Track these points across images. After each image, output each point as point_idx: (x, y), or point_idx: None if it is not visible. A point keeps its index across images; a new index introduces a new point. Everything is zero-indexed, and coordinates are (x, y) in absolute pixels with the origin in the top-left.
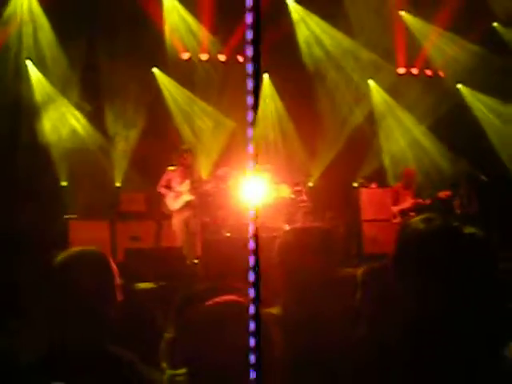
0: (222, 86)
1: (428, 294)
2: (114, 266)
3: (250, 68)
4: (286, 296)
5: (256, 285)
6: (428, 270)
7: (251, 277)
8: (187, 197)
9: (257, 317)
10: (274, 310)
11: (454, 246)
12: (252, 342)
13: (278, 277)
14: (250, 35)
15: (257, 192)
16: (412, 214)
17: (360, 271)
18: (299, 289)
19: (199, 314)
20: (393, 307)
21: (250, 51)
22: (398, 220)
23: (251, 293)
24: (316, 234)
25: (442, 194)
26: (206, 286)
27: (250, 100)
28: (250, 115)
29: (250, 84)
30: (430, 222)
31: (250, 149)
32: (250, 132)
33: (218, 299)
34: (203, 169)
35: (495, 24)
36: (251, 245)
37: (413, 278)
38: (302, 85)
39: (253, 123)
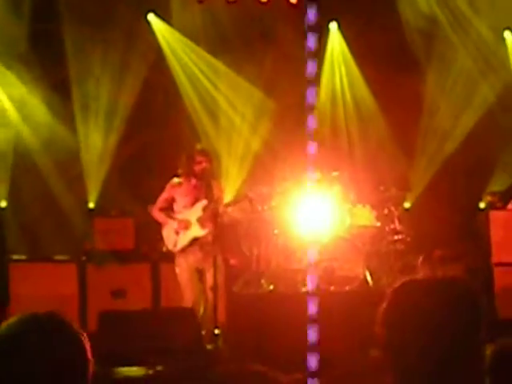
0: (260, 41)
1: None
2: (86, 343)
3: (310, 13)
4: None
5: (316, 371)
6: None
7: (310, 359)
8: (198, 231)
9: None
10: None
11: None
12: None
13: (383, 360)
14: None
15: (319, 218)
16: None
17: (489, 353)
18: (421, 380)
19: None
20: None
21: None
22: None
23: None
24: (455, 294)
25: None
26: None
27: (308, 67)
28: (308, 92)
29: (309, 40)
30: None
31: (309, 147)
32: (309, 120)
33: None
34: (228, 179)
35: None
36: (310, 306)
37: None
38: (394, 42)
39: (312, 104)
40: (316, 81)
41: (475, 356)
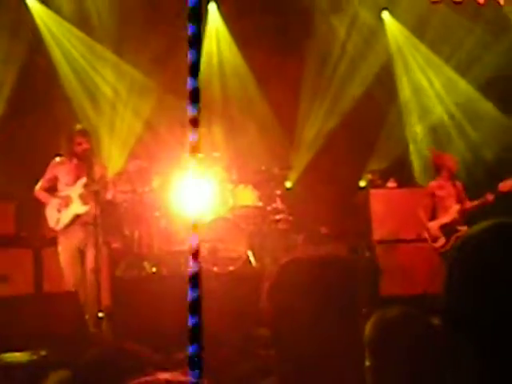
0: (140, 24)
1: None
2: None
3: None
4: (282, 368)
5: (198, 353)
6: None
7: (191, 340)
8: (79, 207)
9: None
10: None
11: None
12: None
13: (270, 339)
14: None
15: (200, 199)
16: (462, 228)
17: (369, 325)
18: (304, 357)
19: None
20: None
21: None
22: (441, 243)
23: (191, 365)
24: (336, 271)
25: (505, 186)
26: (95, 354)
27: (190, 28)
28: (189, 74)
29: (190, 1)
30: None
31: (190, 127)
32: (188, 101)
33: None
34: (110, 161)
35: None
36: (192, 287)
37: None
38: (273, 24)
39: (193, 86)
40: (198, 43)
41: (357, 329)
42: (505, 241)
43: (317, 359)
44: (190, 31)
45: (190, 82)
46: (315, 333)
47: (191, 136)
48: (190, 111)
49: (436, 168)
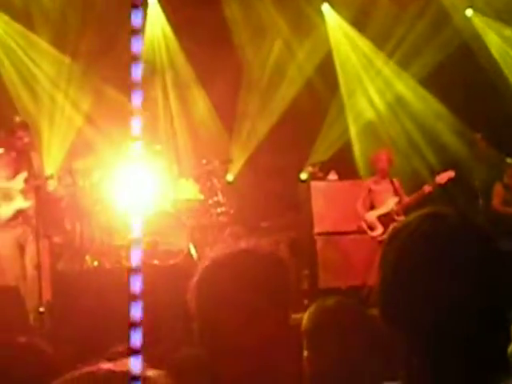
0: (82, 14)
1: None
2: None
3: None
4: (214, 363)
5: (139, 347)
6: (452, 297)
7: (133, 336)
8: (22, 202)
9: None
10: None
11: (487, 258)
12: None
13: (197, 335)
14: None
15: (142, 193)
16: (400, 218)
17: (306, 315)
18: (234, 354)
19: None
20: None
21: None
22: (379, 232)
23: (132, 360)
24: (263, 264)
25: (442, 178)
26: None
27: (133, 15)
28: (134, 41)
29: (135, 15)
30: (444, 220)
31: (133, 120)
32: (133, 96)
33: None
34: (50, 154)
35: None
36: (133, 280)
37: (419, 316)
38: (214, 17)
39: (135, 78)
40: (141, 31)
41: (284, 320)
42: (438, 229)
43: (250, 351)
44: (133, 20)
45: (133, 45)
46: (244, 326)
47: (134, 99)
48: (133, 73)
49: (373, 167)
